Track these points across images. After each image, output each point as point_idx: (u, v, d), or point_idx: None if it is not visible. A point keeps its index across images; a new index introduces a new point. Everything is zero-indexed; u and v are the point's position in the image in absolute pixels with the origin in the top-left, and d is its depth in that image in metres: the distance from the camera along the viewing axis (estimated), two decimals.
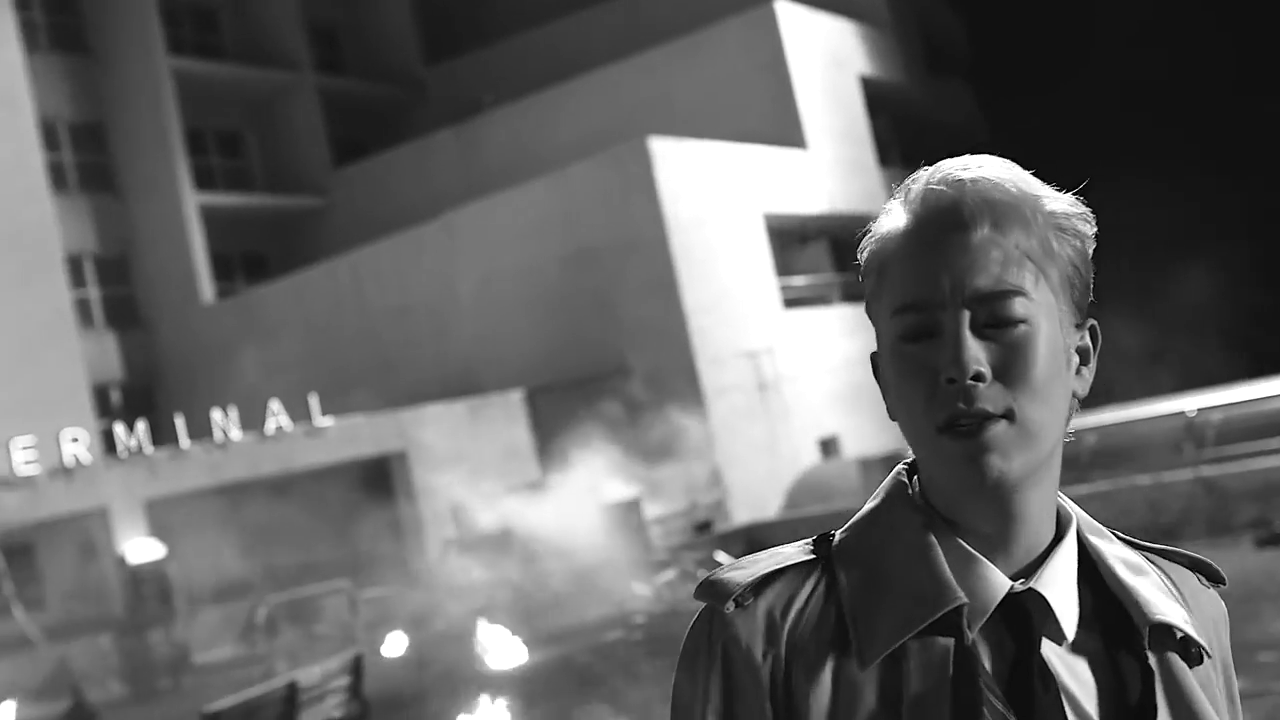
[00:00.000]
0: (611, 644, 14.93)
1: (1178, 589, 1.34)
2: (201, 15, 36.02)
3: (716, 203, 25.00)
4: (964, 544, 1.29)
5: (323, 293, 29.26)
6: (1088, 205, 1.31)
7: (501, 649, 15.08)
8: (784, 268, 27.22)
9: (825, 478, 21.77)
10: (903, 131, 33.95)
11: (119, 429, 21.47)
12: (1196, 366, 19.72)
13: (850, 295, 29.62)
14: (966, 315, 1.23)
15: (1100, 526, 1.37)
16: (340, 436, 22.98)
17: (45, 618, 20.19)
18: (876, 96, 31.76)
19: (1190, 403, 15.74)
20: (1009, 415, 1.23)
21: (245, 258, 35.29)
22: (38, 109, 28.89)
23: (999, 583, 1.27)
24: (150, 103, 32.32)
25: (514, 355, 25.52)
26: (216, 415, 22.07)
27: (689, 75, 29.43)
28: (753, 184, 26.11)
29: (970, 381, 1.22)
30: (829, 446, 25.67)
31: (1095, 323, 1.32)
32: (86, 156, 32.63)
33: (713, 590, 1.33)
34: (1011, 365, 1.23)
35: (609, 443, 21.00)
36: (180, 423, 22.30)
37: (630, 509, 20.36)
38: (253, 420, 22.95)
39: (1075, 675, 1.27)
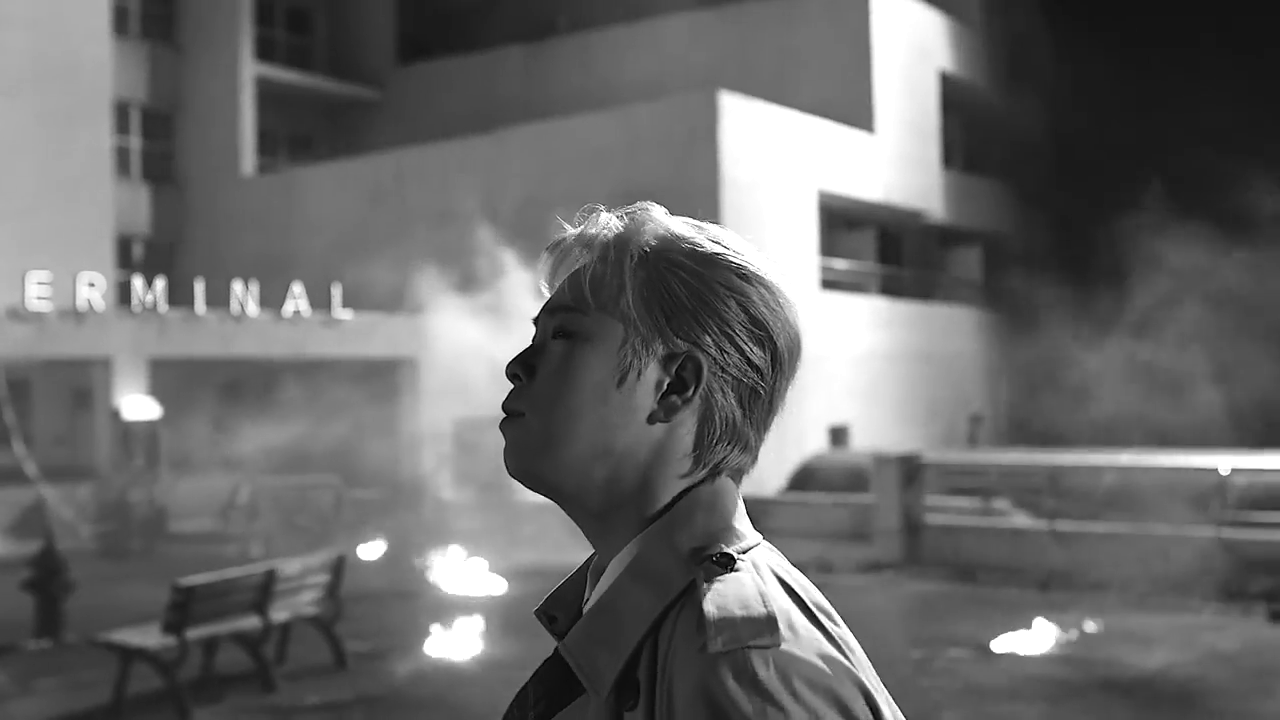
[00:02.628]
0: None
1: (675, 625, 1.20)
2: None
3: (774, 169, 24.52)
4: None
5: (364, 185, 28.82)
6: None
7: (474, 576, 14.79)
8: (828, 248, 26.79)
9: (830, 466, 21.32)
10: (971, 134, 33.37)
11: (137, 282, 21.13)
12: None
13: (888, 289, 29.16)
14: (537, 326, 1.36)
15: (661, 553, 1.24)
16: (356, 331, 22.66)
17: (30, 457, 19.93)
18: (953, 94, 31.21)
19: (1226, 461, 15.30)
20: (523, 415, 1.30)
21: (292, 138, 34.85)
22: None
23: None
24: None
25: None
26: (237, 287, 21.73)
27: (771, 36, 28.87)
28: (813, 158, 25.62)
29: (510, 379, 1.34)
30: (839, 435, 25.29)
31: (699, 356, 1.28)
32: (153, 5, 32.13)
33: None
34: (540, 373, 1.31)
35: None
36: (199, 287, 21.97)
37: None
38: (273, 300, 22.60)
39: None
